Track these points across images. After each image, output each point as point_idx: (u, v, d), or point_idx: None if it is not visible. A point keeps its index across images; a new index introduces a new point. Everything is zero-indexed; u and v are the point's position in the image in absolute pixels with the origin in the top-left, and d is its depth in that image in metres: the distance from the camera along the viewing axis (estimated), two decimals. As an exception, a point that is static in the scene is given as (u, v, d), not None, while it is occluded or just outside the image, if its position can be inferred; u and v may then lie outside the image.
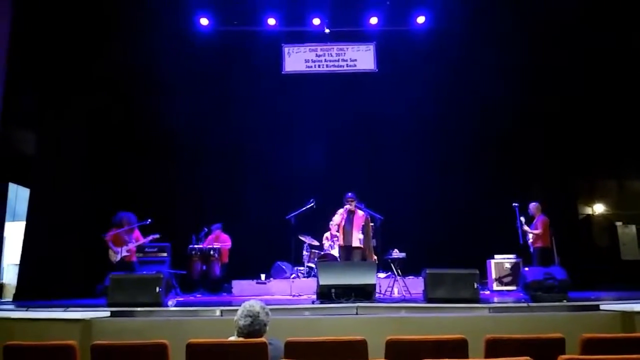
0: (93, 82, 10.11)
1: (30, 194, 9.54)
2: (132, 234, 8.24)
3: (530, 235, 8.34)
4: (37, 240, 9.16)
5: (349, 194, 8.11)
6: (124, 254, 8.03)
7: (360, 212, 8.12)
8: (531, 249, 8.50)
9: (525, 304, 5.67)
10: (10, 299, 9.16)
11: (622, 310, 5.18)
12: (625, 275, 9.43)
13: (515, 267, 8.74)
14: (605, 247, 10.46)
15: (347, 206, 8.04)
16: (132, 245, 8.10)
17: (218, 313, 5.56)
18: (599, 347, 3.24)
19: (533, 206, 8.55)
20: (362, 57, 10.95)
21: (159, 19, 10.05)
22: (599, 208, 10.85)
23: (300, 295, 8.06)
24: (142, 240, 8.25)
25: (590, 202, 10.87)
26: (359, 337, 3.34)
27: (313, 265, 9.11)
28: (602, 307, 5.44)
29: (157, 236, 8.41)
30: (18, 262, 9.68)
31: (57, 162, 9.60)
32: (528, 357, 2.71)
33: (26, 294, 8.57)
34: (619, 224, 10.40)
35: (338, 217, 8.14)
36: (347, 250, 8.01)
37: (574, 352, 3.30)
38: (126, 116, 10.54)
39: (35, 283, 8.83)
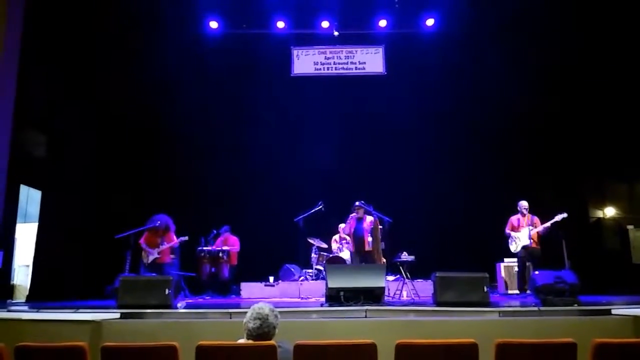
0: (103, 84, 10.21)
1: (41, 196, 9.63)
2: (165, 235, 8.16)
3: (533, 236, 8.15)
4: (49, 242, 9.25)
5: (357, 202, 8.24)
6: (156, 255, 8.03)
7: (369, 218, 8.20)
8: (519, 252, 8.28)
9: (535, 308, 5.63)
10: (22, 300, 9.24)
11: (634, 314, 5.12)
12: (637, 279, 9.33)
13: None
14: (616, 250, 10.35)
15: (355, 214, 8.14)
16: (163, 247, 8.08)
17: (227, 315, 5.56)
18: (611, 352, 3.20)
19: (525, 204, 8.35)
20: (371, 60, 10.95)
21: (168, 22, 10.12)
22: (610, 211, 10.75)
23: (309, 298, 8.07)
24: (172, 242, 8.19)
25: (601, 205, 10.78)
26: (368, 341, 3.32)
27: (321, 268, 9.11)
28: (613, 311, 5.38)
29: (186, 239, 8.42)
30: (29, 264, 9.77)
31: (67, 165, 9.72)
32: (539, 362, 2.68)
33: (39, 295, 8.65)
34: (630, 227, 10.29)
35: (348, 228, 8.32)
36: (359, 255, 8.08)
37: (586, 357, 3.26)
38: (136, 118, 10.62)
39: (47, 284, 8.92)
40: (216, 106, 10.94)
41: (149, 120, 10.70)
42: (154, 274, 7.65)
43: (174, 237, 8.25)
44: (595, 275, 8.60)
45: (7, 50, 7.66)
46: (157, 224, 8.07)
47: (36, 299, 8.55)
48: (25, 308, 6.69)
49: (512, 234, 8.27)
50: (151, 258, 7.99)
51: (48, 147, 9.78)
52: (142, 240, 8.11)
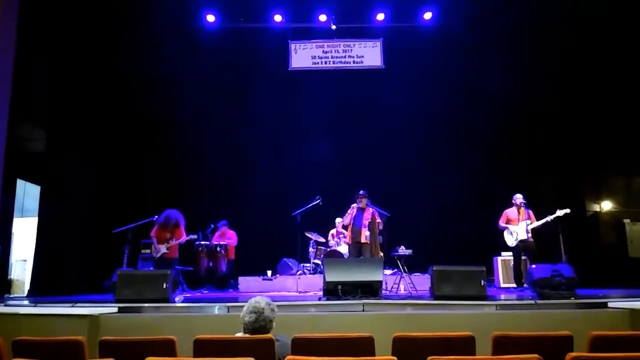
0: (100, 79, 10.18)
1: (40, 191, 9.63)
2: (174, 231, 8.08)
3: (530, 229, 8.15)
4: (48, 237, 9.25)
5: (361, 191, 8.18)
6: (164, 250, 8.01)
7: (370, 209, 8.18)
8: (514, 246, 8.25)
9: (532, 301, 5.64)
10: (19, 295, 9.25)
11: (630, 307, 5.15)
12: (633, 272, 9.37)
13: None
14: (612, 244, 10.39)
15: (357, 204, 8.10)
16: (172, 243, 8.05)
17: (225, 309, 5.57)
18: (608, 345, 3.22)
19: (520, 197, 8.32)
20: (368, 54, 10.90)
21: (165, 16, 10.05)
22: (606, 205, 10.78)
23: (307, 292, 8.08)
24: (181, 239, 8.12)
25: (597, 199, 10.80)
26: (365, 334, 3.33)
27: (319, 262, 9.13)
28: (610, 304, 5.41)
29: (194, 237, 8.42)
30: (26, 258, 9.78)
31: (66, 159, 9.70)
32: (536, 355, 2.68)
33: (40, 289, 8.67)
34: (627, 221, 10.32)
35: (347, 218, 8.22)
36: (357, 246, 8.06)
37: (583, 350, 3.28)
38: (133, 113, 10.59)
39: (47, 279, 8.94)
40: (213, 100, 10.89)
41: (147, 114, 10.65)
42: (162, 269, 7.61)
43: (184, 234, 8.17)
44: (591, 268, 8.62)
45: (3, 42, 7.58)
46: (171, 220, 8.04)
47: (37, 293, 8.57)
48: (23, 303, 6.69)
49: (510, 227, 8.28)
50: (159, 253, 7.99)
51: (47, 142, 9.75)
52: (152, 234, 8.10)
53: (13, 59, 7.72)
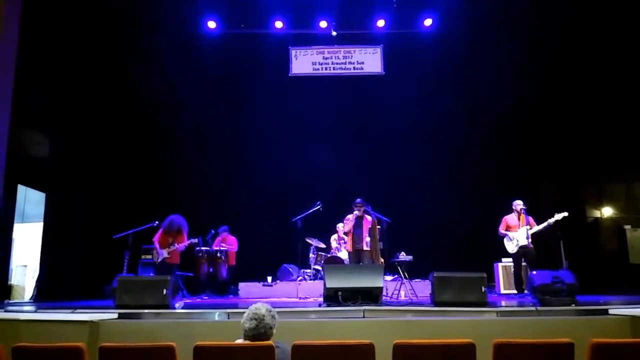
0: (102, 85, 10.21)
1: (46, 197, 9.66)
2: (177, 237, 8.10)
3: (530, 234, 8.12)
4: (53, 243, 9.27)
5: (358, 199, 8.17)
6: (165, 255, 8.01)
7: (368, 217, 8.16)
8: (515, 252, 8.23)
9: (533, 308, 5.63)
10: (19, 300, 9.24)
11: (631, 314, 5.12)
12: (634, 279, 9.34)
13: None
14: (613, 250, 10.36)
15: (356, 212, 8.09)
16: (173, 248, 8.04)
17: (225, 315, 5.55)
18: (609, 352, 3.20)
19: (520, 203, 8.29)
20: (369, 60, 10.95)
21: (166, 22, 10.12)
22: (607, 211, 10.76)
23: (307, 298, 8.07)
24: (182, 244, 8.12)
25: (598, 205, 10.79)
26: (366, 341, 3.32)
27: (319, 268, 9.12)
28: (611, 311, 5.38)
29: (195, 241, 8.42)
30: (26, 264, 9.77)
31: (69, 165, 9.75)
32: (537, 362, 2.68)
33: (44, 295, 8.71)
34: (627, 227, 10.28)
35: (347, 226, 8.17)
36: (357, 254, 8.05)
37: (583, 357, 3.27)
38: (134, 120, 10.62)
39: (50, 285, 8.95)
40: (214, 106, 10.93)
41: (148, 121, 10.70)
42: (162, 274, 7.59)
43: (186, 239, 8.18)
44: (592, 275, 8.62)
45: (5, 46, 7.59)
46: (174, 225, 8.06)
47: (41, 299, 8.58)
48: (23, 308, 6.68)
49: (510, 233, 8.26)
50: (160, 258, 7.98)
51: (50, 148, 9.78)
52: (155, 239, 8.09)
53: (14, 66, 7.73)
